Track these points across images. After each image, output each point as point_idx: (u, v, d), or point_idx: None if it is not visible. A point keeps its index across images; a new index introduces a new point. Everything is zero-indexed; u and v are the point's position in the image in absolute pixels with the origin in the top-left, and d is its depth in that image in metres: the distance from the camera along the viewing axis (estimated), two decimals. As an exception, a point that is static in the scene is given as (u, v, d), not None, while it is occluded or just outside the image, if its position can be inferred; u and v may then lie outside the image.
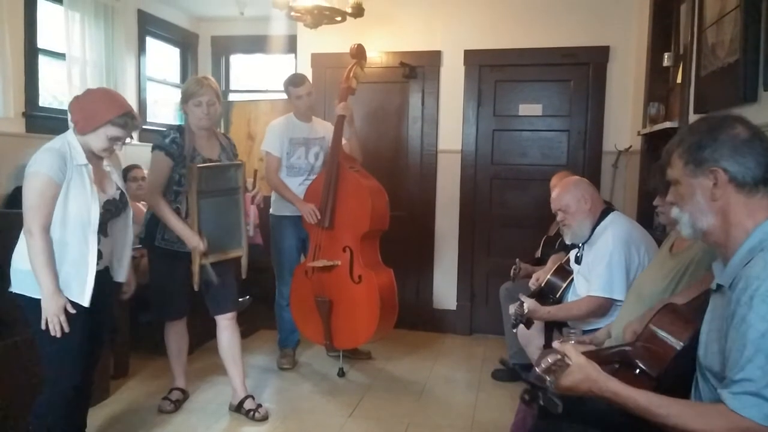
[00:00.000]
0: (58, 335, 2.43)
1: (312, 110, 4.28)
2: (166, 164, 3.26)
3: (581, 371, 1.59)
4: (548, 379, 1.52)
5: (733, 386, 1.42)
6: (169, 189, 3.30)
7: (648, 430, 1.57)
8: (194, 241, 3.20)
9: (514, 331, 3.30)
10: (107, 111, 2.51)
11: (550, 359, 1.62)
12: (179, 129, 3.37)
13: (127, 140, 2.65)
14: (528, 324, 3.17)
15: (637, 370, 1.82)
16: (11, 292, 2.53)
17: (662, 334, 1.84)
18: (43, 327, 2.43)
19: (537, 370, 1.56)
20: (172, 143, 3.27)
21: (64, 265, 2.48)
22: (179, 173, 3.28)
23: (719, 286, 1.59)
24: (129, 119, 2.56)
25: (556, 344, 1.69)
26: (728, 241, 1.58)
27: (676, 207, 1.67)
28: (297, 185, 4.15)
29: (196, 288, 3.30)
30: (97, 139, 2.53)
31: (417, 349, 4.76)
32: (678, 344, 1.77)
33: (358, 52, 4.15)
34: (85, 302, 2.51)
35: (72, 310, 2.45)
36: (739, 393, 1.41)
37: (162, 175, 3.27)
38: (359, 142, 4.27)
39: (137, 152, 4.99)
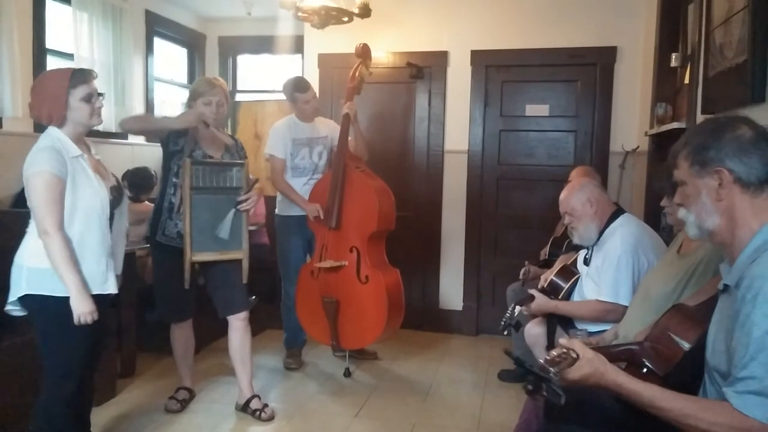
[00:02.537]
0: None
1: (317, 113, 4.27)
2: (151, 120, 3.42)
3: (590, 365, 1.59)
4: (552, 370, 1.52)
5: (737, 384, 1.43)
6: (168, 181, 3.32)
7: (652, 430, 1.57)
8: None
9: (505, 333, 3.29)
10: (60, 82, 2.49)
11: (555, 352, 1.63)
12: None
13: (101, 98, 2.62)
14: (516, 328, 3.16)
15: (644, 369, 1.82)
16: (25, 294, 2.46)
17: (670, 334, 1.84)
18: (76, 323, 2.40)
19: (541, 361, 1.57)
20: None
21: (85, 263, 2.46)
22: (177, 164, 3.28)
23: (726, 287, 1.60)
24: (80, 73, 2.55)
25: (562, 340, 1.70)
26: (734, 241, 1.58)
27: (682, 208, 1.68)
28: (301, 185, 4.15)
29: (186, 285, 3.26)
30: (78, 111, 2.50)
31: (423, 349, 4.76)
32: (685, 345, 1.77)
33: (363, 52, 4.15)
34: (113, 289, 2.56)
35: (96, 317, 2.43)
36: (742, 392, 1.41)
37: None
38: (365, 141, 4.27)
39: (144, 152, 5.02)
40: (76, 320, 2.39)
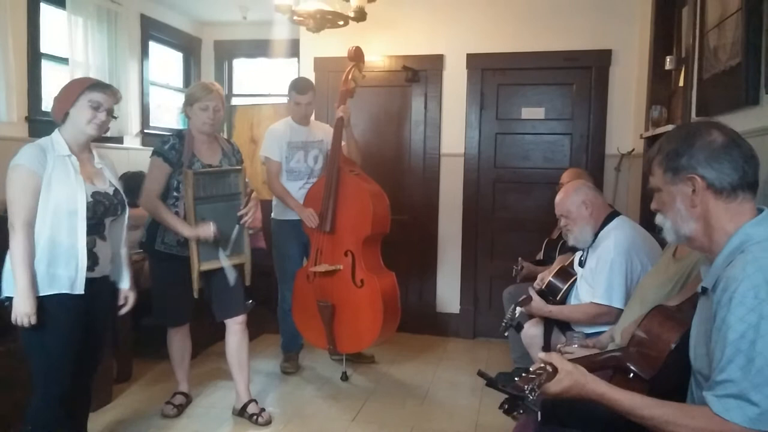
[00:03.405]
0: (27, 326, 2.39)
1: (307, 119, 4.25)
2: (162, 170, 3.27)
3: (569, 377, 1.60)
4: (527, 388, 1.52)
5: (716, 388, 1.44)
6: (169, 195, 3.30)
7: None
8: (193, 232, 3.17)
9: (506, 335, 3.29)
10: (79, 85, 2.56)
11: (531, 369, 1.63)
12: (179, 135, 3.36)
13: (113, 117, 2.63)
14: (518, 329, 3.17)
15: (631, 374, 1.82)
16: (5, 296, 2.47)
17: (652, 336, 1.84)
18: (14, 322, 2.39)
19: (516, 380, 1.57)
20: (171, 149, 3.27)
21: (53, 266, 2.44)
22: (177, 179, 3.27)
23: (704, 289, 1.60)
24: (103, 84, 2.59)
25: (541, 354, 1.70)
26: (712, 245, 1.59)
27: (659, 214, 1.68)
28: (297, 189, 4.13)
29: (195, 295, 3.29)
30: (81, 112, 2.51)
31: (420, 353, 4.76)
32: (668, 346, 1.77)
33: (356, 55, 4.15)
34: (78, 289, 2.49)
35: (33, 321, 2.38)
36: (721, 396, 1.42)
37: (158, 182, 3.27)
38: (357, 145, 4.27)
39: (140, 156, 5.01)
40: (12, 319, 2.39)
